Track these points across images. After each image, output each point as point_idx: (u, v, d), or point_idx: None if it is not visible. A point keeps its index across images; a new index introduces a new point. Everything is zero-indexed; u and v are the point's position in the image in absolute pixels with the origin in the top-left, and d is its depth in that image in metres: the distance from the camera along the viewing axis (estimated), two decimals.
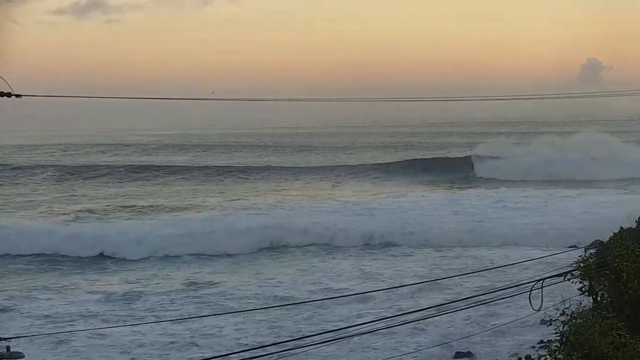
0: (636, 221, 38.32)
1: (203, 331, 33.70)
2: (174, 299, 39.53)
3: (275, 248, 51.70)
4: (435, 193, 76.25)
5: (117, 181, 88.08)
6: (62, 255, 50.04)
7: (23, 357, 15.35)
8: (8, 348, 15.20)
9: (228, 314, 35.32)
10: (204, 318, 34.63)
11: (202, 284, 42.72)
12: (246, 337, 32.89)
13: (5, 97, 14.03)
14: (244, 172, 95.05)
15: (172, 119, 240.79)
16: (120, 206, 68.01)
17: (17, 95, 14.18)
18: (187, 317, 35.22)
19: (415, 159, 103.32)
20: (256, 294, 40.00)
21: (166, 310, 37.52)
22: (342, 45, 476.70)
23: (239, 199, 72.29)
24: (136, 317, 36.20)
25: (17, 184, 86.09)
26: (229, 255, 49.80)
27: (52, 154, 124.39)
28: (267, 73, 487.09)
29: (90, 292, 40.82)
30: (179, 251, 50.11)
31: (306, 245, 52.02)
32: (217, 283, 42.62)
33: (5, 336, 15.63)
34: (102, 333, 32.76)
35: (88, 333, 32.69)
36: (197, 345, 31.93)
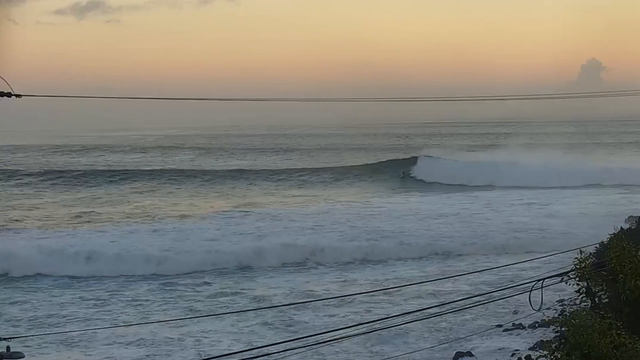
0: (636, 221, 38.39)
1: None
2: None
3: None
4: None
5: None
6: None
7: (23, 357, 15.35)
8: (8, 348, 15.20)
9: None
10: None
11: None
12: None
13: (5, 97, 14.03)
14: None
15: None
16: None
17: (17, 95, 14.19)
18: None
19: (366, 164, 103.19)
20: None
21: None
22: (342, 45, 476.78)
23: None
24: None
25: None
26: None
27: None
28: (266, 73, 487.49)
29: None
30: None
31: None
32: None
33: (5, 336, 15.63)
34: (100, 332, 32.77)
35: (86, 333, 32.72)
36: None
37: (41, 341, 31.46)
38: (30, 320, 35.92)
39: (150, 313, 37.04)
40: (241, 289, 41.25)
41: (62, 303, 38.96)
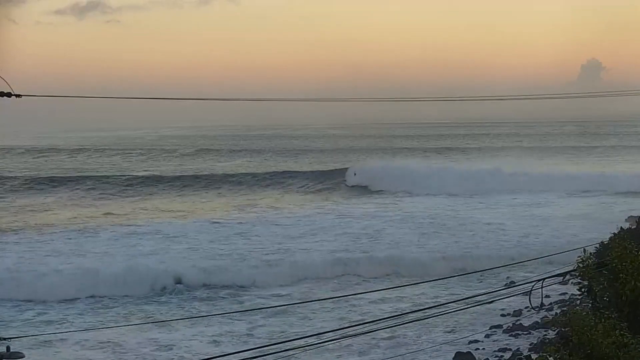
0: (636, 221, 38.37)
1: None
2: None
3: None
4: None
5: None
6: None
7: (23, 357, 15.37)
8: (8, 348, 15.21)
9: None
10: None
11: None
12: None
13: (5, 97, 14.04)
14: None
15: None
16: None
17: (17, 95, 14.20)
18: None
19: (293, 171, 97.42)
20: None
21: None
22: (342, 45, 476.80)
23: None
24: None
25: None
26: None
27: None
28: (266, 73, 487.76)
29: None
30: None
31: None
32: None
33: (5, 336, 15.63)
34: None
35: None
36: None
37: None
38: None
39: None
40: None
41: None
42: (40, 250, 49.79)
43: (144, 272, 42.04)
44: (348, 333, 22.67)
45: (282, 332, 33.13)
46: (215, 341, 32.38)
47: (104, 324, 34.77)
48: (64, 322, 35.57)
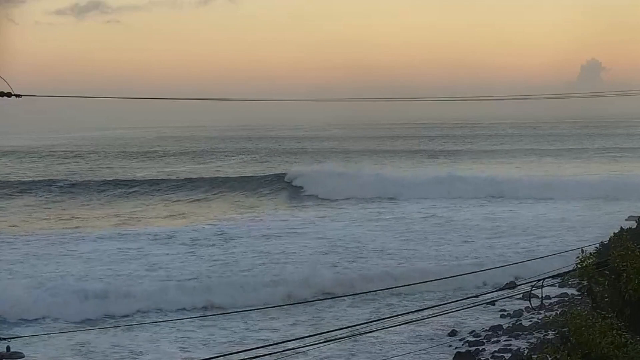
0: (636, 222, 38.38)
1: None
2: None
3: None
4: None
5: None
6: None
7: (23, 357, 15.39)
8: (8, 348, 15.23)
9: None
10: None
11: None
12: None
13: (5, 97, 14.04)
14: None
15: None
16: None
17: (17, 95, 14.19)
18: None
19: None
20: None
21: None
22: (341, 46, 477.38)
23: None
24: None
25: None
26: None
27: None
28: (266, 73, 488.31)
29: None
30: None
31: None
32: None
33: (5, 336, 15.65)
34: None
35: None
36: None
37: None
38: None
39: None
40: None
41: None
42: (18, 253, 49.60)
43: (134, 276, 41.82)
44: (346, 334, 22.68)
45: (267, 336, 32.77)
46: (181, 346, 32.09)
47: (73, 328, 34.31)
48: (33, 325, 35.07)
